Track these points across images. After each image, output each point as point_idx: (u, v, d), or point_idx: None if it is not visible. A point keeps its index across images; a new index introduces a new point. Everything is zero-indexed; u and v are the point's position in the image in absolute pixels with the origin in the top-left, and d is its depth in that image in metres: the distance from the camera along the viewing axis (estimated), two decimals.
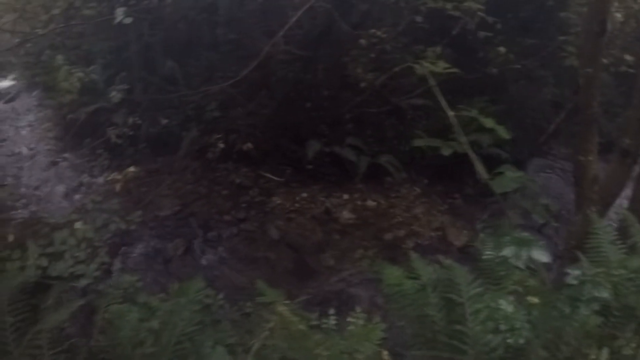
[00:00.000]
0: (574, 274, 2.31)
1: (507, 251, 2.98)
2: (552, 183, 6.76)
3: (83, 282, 3.58)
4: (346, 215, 5.25)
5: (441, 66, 3.11)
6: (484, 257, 2.77)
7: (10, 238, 4.38)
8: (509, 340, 2.03)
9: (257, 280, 2.27)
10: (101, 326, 2.96)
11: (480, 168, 3.08)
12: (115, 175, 4.33)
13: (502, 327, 2.10)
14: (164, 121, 5.35)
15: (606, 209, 4.13)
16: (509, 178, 3.29)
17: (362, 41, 5.41)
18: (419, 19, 5.61)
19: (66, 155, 6.79)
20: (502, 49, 6.20)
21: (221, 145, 5.03)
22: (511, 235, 3.12)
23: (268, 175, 5.33)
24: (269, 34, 5.68)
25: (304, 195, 5.28)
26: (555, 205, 5.82)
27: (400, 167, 5.61)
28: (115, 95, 4.31)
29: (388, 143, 5.60)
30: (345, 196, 5.38)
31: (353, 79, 5.27)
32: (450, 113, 2.90)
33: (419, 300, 2.51)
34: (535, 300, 2.38)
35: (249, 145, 5.05)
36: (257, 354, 2.21)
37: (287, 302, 2.56)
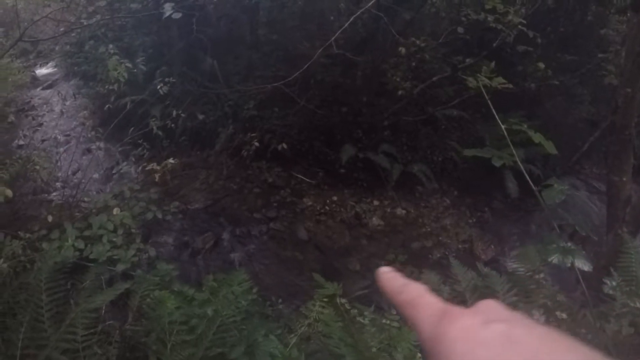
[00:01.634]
0: (610, 283, 2.36)
1: (554, 258, 3.09)
2: (581, 202, 6.64)
3: (120, 267, 3.65)
4: (375, 221, 5.24)
5: (498, 81, 3.09)
6: (513, 270, 2.90)
7: (49, 219, 4.50)
8: None
9: (314, 274, 2.30)
10: (137, 311, 3.02)
11: (529, 180, 3.06)
12: (154, 166, 4.41)
13: None
14: (201, 116, 5.44)
15: (638, 230, 4.07)
16: (557, 190, 3.32)
17: (402, 49, 5.42)
18: (460, 30, 5.61)
19: (101, 143, 6.94)
20: (541, 64, 6.15)
21: (256, 144, 5.07)
22: (558, 244, 3.21)
23: (300, 176, 5.36)
24: (309, 36, 5.75)
25: (335, 198, 5.28)
26: (584, 224, 5.73)
27: (432, 177, 5.58)
28: (162, 88, 4.40)
29: (421, 152, 5.58)
30: (376, 202, 5.37)
31: (391, 87, 5.27)
32: (503, 126, 2.87)
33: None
34: (564, 315, 2.50)
35: (284, 145, 5.09)
36: (300, 345, 2.24)
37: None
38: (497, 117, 2.98)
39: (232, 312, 2.30)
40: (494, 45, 6.12)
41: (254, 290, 3.61)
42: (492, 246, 5.97)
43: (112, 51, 4.23)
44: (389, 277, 0.38)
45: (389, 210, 5.36)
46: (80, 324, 2.58)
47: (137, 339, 2.98)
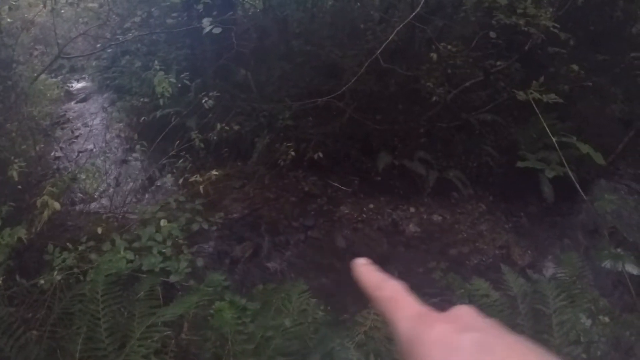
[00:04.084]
0: None
1: (607, 263, 3.19)
2: (626, 207, 6.52)
3: (174, 278, 3.74)
4: (412, 228, 5.26)
5: (550, 97, 3.11)
6: (560, 275, 2.99)
7: (99, 231, 4.62)
8: (583, 355, 2.18)
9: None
10: (192, 321, 3.10)
11: (580, 190, 3.07)
12: (197, 178, 4.50)
13: (582, 339, 2.32)
14: (236, 127, 5.54)
15: None
16: (609, 200, 3.39)
17: (434, 55, 5.43)
18: (492, 34, 5.59)
19: (136, 154, 7.13)
20: (575, 67, 6.10)
21: (292, 153, 5.15)
22: (609, 250, 3.29)
23: (336, 184, 5.41)
24: (340, 45, 5.81)
25: (371, 206, 5.32)
26: (630, 229, 5.63)
27: (467, 182, 5.57)
28: (206, 102, 4.52)
29: (456, 158, 5.57)
30: (412, 209, 5.39)
31: (424, 93, 5.29)
32: (554, 139, 2.89)
33: (506, 310, 2.73)
34: (606, 319, 2.53)
35: (320, 154, 5.15)
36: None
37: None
38: (548, 130, 3.00)
39: (297, 321, 2.36)
40: (526, 48, 6.09)
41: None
42: (529, 251, 5.91)
43: (157, 67, 4.37)
44: (366, 270, 0.39)
45: (425, 217, 5.36)
46: (136, 335, 2.67)
47: (193, 349, 3.07)
